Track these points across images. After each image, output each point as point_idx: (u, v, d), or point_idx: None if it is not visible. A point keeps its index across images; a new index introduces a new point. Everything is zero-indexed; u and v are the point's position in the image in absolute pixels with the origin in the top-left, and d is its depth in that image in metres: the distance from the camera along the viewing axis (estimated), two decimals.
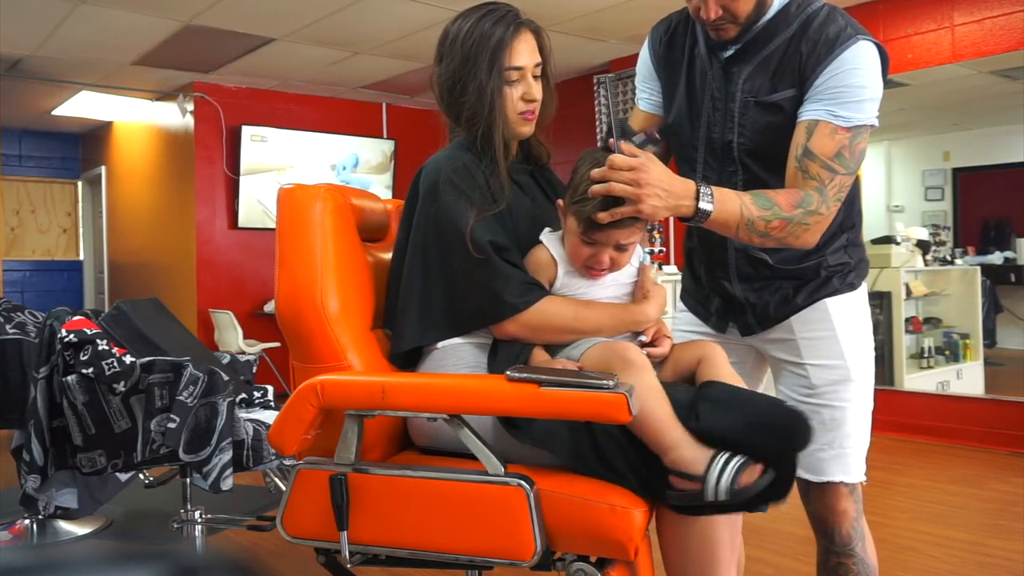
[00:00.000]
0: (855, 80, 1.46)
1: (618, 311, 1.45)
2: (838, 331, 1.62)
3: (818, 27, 1.50)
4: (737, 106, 1.55)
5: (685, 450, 1.25)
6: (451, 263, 1.45)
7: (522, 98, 1.52)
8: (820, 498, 1.63)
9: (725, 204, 1.40)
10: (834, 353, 1.62)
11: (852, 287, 1.65)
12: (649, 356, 1.43)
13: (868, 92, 1.47)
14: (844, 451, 1.61)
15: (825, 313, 1.63)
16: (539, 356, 1.43)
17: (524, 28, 1.53)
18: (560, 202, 1.48)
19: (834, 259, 1.62)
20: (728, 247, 1.63)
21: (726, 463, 1.22)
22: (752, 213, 1.41)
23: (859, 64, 1.46)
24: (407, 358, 1.53)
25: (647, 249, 1.61)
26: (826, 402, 1.61)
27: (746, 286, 1.64)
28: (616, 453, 1.31)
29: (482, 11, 1.54)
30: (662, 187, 1.34)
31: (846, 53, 1.45)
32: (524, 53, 1.51)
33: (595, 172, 1.35)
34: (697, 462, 1.23)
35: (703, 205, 1.38)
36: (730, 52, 1.56)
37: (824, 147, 1.45)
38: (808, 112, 1.48)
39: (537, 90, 1.53)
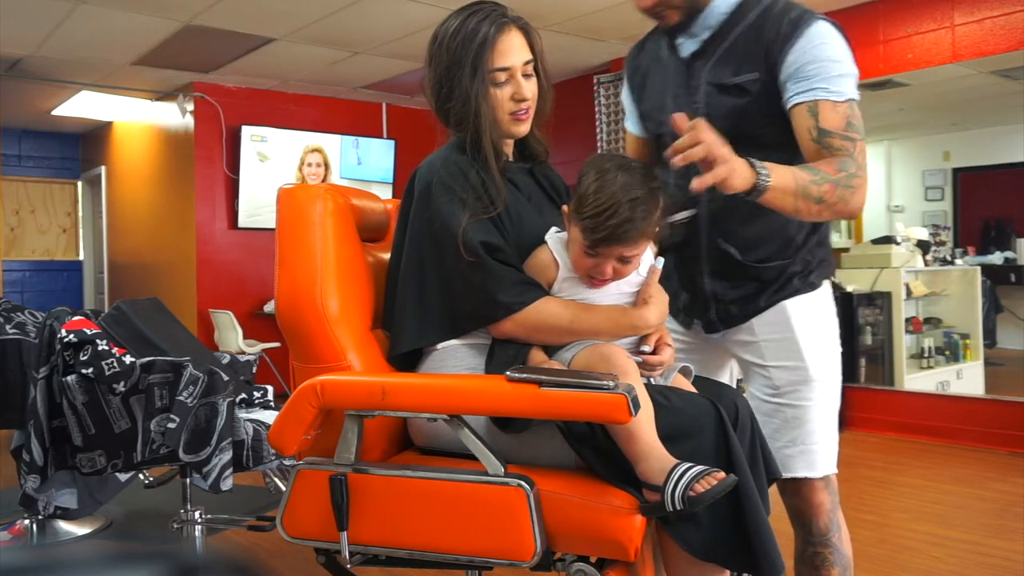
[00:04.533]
0: (828, 54, 1.50)
1: (617, 314, 1.44)
2: (797, 332, 1.65)
3: (778, 13, 1.55)
4: (702, 95, 1.60)
5: (652, 462, 1.26)
6: (446, 265, 1.45)
7: (512, 98, 1.50)
8: (794, 493, 1.68)
9: (779, 173, 1.39)
10: (794, 355, 1.65)
11: (813, 287, 1.68)
12: (648, 364, 1.43)
13: (845, 67, 1.52)
14: (808, 447, 1.65)
15: (784, 315, 1.65)
16: (537, 356, 1.43)
17: (509, 26, 1.50)
18: (565, 208, 1.46)
19: (800, 262, 1.66)
20: (701, 241, 1.66)
21: (683, 473, 1.23)
22: (803, 179, 1.41)
23: (826, 40, 1.51)
24: (406, 359, 1.53)
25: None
26: (788, 402, 1.65)
27: (715, 281, 1.68)
28: (604, 461, 1.31)
29: (467, 12, 1.51)
30: (736, 161, 1.33)
31: (810, 30, 1.50)
32: (510, 52, 1.48)
33: (683, 142, 1.31)
34: (661, 473, 1.24)
35: (761, 175, 1.37)
36: (693, 48, 1.63)
37: (834, 122, 1.48)
38: (801, 95, 1.50)
39: (528, 89, 1.51)
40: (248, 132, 6.32)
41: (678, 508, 1.21)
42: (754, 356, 1.69)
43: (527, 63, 1.51)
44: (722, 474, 1.23)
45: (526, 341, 1.43)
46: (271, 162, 6.46)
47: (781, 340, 1.65)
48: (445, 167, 1.49)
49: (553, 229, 1.50)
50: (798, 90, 1.50)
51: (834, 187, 1.43)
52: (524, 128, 1.55)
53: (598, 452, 1.32)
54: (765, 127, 1.56)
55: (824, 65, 1.49)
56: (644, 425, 1.27)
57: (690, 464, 1.24)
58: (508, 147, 1.60)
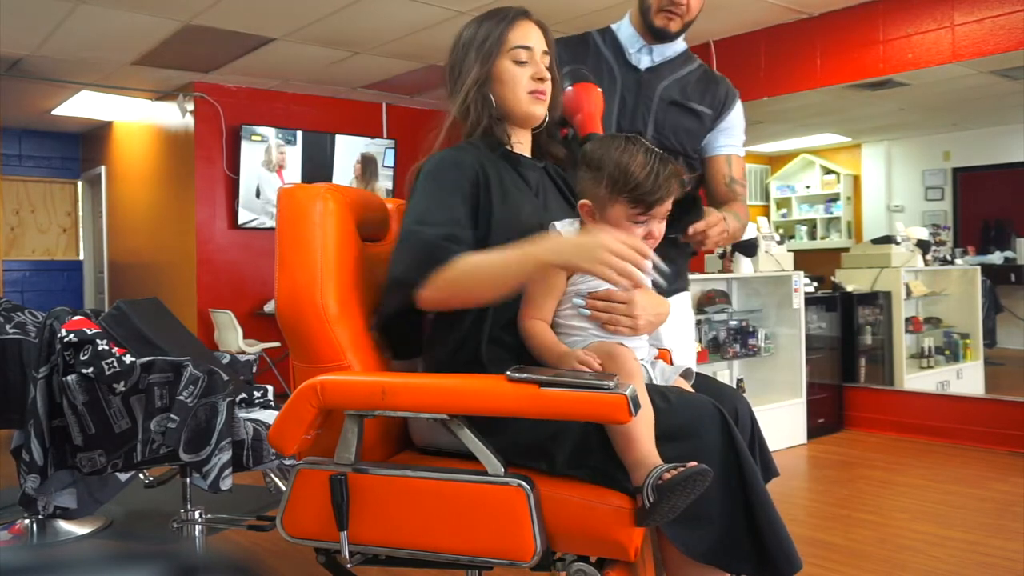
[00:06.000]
0: (743, 122, 2.07)
1: (527, 246, 1.36)
2: (687, 324, 2.11)
3: (720, 77, 2.06)
4: (654, 106, 1.96)
5: (642, 470, 1.25)
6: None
7: (531, 77, 1.54)
8: None
9: (730, 221, 1.79)
10: (685, 344, 2.01)
11: (686, 288, 2.11)
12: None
13: (744, 131, 2.08)
14: None
15: (684, 305, 2.04)
16: (542, 333, 1.43)
17: (529, 18, 1.57)
18: (586, 202, 1.44)
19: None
20: None
21: (655, 468, 1.22)
22: (733, 224, 1.87)
23: (742, 111, 2.08)
24: (408, 350, 1.54)
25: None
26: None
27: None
28: (605, 462, 1.31)
29: (486, 15, 1.59)
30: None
31: (738, 102, 2.07)
32: (530, 36, 1.55)
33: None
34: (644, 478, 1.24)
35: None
36: (648, 64, 2.00)
37: (740, 172, 2.06)
38: (724, 148, 2.03)
39: (546, 72, 1.56)
40: (248, 132, 6.32)
41: (651, 500, 1.20)
42: (653, 338, 1.69)
43: (545, 54, 1.57)
44: (692, 464, 1.20)
45: (450, 305, 1.41)
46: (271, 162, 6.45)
47: (678, 326, 1.92)
48: (440, 158, 1.50)
49: (566, 221, 1.49)
50: (724, 143, 2.02)
51: (740, 228, 1.95)
52: (541, 109, 1.57)
53: (593, 470, 1.31)
54: (695, 151, 2.02)
55: (739, 129, 2.05)
56: (643, 431, 1.26)
57: (669, 465, 1.22)
58: (526, 144, 1.60)
